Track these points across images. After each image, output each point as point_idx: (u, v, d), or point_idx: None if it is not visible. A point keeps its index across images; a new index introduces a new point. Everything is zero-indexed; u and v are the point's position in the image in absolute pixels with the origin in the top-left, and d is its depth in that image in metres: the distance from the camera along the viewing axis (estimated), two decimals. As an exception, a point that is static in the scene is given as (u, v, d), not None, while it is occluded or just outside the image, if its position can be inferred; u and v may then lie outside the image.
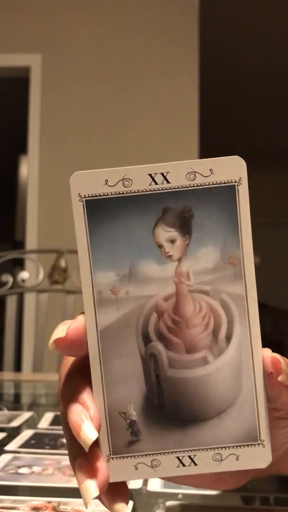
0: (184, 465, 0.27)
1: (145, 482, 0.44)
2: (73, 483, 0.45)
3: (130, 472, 0.27)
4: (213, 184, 0.26)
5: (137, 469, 0.27)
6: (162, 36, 2.95)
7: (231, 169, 0.26)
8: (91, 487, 0.25)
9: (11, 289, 1.46)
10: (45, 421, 0.68)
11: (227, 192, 0.26)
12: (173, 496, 0.41)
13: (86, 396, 0.26)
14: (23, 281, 1.48)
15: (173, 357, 0.27)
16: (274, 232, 5.14)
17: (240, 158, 0.26)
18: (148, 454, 0.27)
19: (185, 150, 2.88)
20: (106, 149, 2.88)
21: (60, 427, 0.64)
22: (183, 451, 0.27)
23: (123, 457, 0.27)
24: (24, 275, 1.49)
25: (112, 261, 0.26)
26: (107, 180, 0.26)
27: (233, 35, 3.50)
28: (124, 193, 0.26)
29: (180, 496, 0.42)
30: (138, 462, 0.27)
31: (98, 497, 0.26)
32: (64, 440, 0.58)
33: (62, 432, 0.65)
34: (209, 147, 3.25)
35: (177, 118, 2.92)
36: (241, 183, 0.26)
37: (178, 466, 0.27)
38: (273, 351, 0.27)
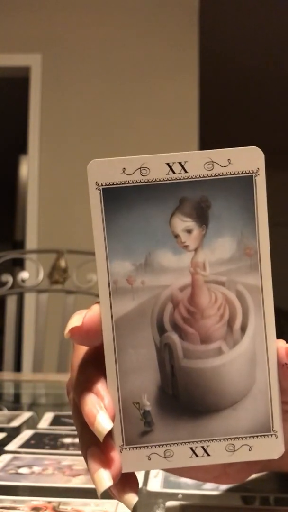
0: (197, 456, 0.27)
1: (145, 482, 0.44)
2: (73, 483, 0.45)
3: (143, 462, 0.27)
4: (230, 174, 0.26)
5: (150, 459, 0.27)
6: (162, 36, 2.95)
7: (249, 159, 0.26)
8: (105, 477, 0.25)
9: (11, 289, 1.46)
10: (45, 421, 0.68)
11: (245, 182, 0.26)
12: (173, 496, 0.41)
13: (100, 386, 0.26)
14: (23, 281, 1.48)
15: (188, 347, 0.27)
16: (274, 232, 5.14)
17: (258, 149, 0.26)
18: (161, 445, 0.27)
19: (185, 149, 2.87)
20: (106, 149, 2.88)
21: (60, 427, 0.64)
22: (196, 442, 0.27)
23: (136, 448, 0.27)
24: (24, 275, 1.49)
25: (128, 251, 0.26)
26: (124, 168, 0.26)
27: (233, 35, 3.51)
28: (141, 182, 0.26)
29: (180, 496, 0.41)
30: (151, 452, 0.27)
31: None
32: (65, 440, 0.58)
33: (62, 432, 0.65)
34: (209, 147, 3.25)
35: (177, 118, 2.92)
36: (258, 174, 0.26)
37: (191, 457, 0.27)
38: None
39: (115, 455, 0.26)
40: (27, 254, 2.32)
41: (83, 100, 2.94)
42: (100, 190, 0.26)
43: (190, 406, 0.27)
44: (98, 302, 0.27)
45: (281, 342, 0.27)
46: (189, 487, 0.43)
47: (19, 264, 2.82)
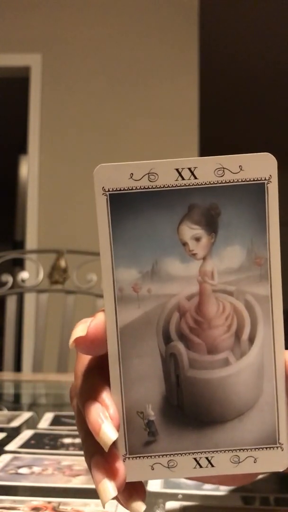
0: (201, 466, 0.26)
1: (146, 482, 0.44)
2: (73, 484, 0.44)
3: (146, 472, 0.26)
4: (242, 181, 0.26)
5: (153, 469, 0.26)
6: (162, 36, 2.95)
7: (261, 166, 0.26)
8: (109, 487, 0.25)
9: (11, 289, 1.46)
10: (45, 421, 0.68)
11: (256, 190, 0.26)
12: (173, 496, 0.41)
13: (105, 394, 0.26)
14: (23, 281, 1.48)
15: (194, 357, 0.26)
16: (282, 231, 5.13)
17: (271, 155, 0.26)
18: (165, 455, 0.26)
19: (185, 150, 2.87)
20: (106, 149, 2.88)
21: (60, 428, 0.64)
22: (201, 452, 0.26)
23: (140, 457, 0.26)
24: (24, 275, 1.49)
25: (135, 258, 0.26)
26: (132, 174, 0.26)
27: (233, 35, 3.50)
28: (149, 188, 0.26)
29: (180, 496, 0.41)
30: (154, 462, 0.26)
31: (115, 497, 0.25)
32: (65, 440, 0.58)
33: (62, 432, 0.65)
34: (209, 147, 3.25)
35: (177, 118, 2.92)
36: (270, 181, 0.26)
37: (195, 467, 0.26)
38: None
39: (120, 465, 0.25)
40: (27, 254, 2.32)
41: (83, 100, 2.94)
42: (107, 196, 0.26)
43: (195, 417, 0.26)
44: (103, 310, 0.26)
45: None
46: (189, 487, 0.43)
47: (19, 264, 2.82)
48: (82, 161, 2.85)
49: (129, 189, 0.26)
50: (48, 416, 0.71)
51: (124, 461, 0.26)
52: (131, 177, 0.26)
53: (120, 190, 0.26)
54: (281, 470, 0.27)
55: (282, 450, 0.26)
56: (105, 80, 2.95)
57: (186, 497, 0.41)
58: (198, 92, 2.95)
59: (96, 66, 2.96)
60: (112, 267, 0.26)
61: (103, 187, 0.26)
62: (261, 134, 4.80)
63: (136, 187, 0.26)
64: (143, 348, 0.26)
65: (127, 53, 2.96)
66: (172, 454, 0.26)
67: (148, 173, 0.26)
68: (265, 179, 0.26)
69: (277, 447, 0.26)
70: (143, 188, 0.26)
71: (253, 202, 0.26)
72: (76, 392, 0.27)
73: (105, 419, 0.25)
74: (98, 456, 0.25)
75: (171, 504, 0.39)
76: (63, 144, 2.92)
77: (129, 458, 0.26)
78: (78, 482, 0.44)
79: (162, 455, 0.26)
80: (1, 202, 5.16)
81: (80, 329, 0.26)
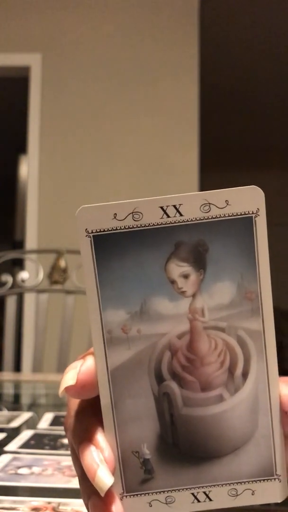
0: (199, 501, 0.26)
1: None
2: (72, 484, 0.44)
3: (144, 509, 0.26)
4: (229, 216, 0.25)
5: (151, 506, 0.26)
6: (162, 36, 2.95)
7: (248, 199, 0.25)
8: None
9: (11, 289, 1.46)
10: (45, 421, 0.68)
11: (244, 224, 0.25)
12: None
13: (99, 436, 0.26)
14: (23, 281, 1.48)
15: (188, 395, 0.26)
16: (274, 232, 5.14)
17: (258, 188, 0.25)
18: (162, 491, 0.26)
19: (185, 150, 2.88)
20: (106, 150, 2.88)
21: (60, 428, 0.64)
22: (198, 487, 0.26)
23: (137, 495, 0.26)
24: (24, 275, 1.49)
25: (122, 299, 0.25)
26: (115, 214, 0.25)
27: (233, 35, 3.50)
28: (134, 227, 0.25)
29: None
30: (152, 499, 0.26)
31: None
32: (64, 441, 0.58)
33: (61, 432, 0.65)
34: (209, 147, 3.25)
35: (177, 118, 2.92)
36: (258, 215, 0.25)
37: (193, 502, 0.26)
38: None
39: (118, 506, 0.25)
40: (27, 254, 2.32)
41: (83, 100, 2.94)
42: (90, 237, 0.25)
43: (191, 453, 0.26)
44: (92, 352, 0.26)
45: (284, 389, 0.26)
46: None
47: (19, 264, 2.82)
48: (82, 161, 2.85)
49: (113, 230, 0.25)
50: (48, 417, 0.71)
51: (121, 500, 0.26)
52: (115, 217, 0.25)
53: (104, 231, 0.25)
54: (279, 501, 0.27)
55: (280, 481, 0.26)
56: (105, 80, 2.95)
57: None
58: (198, 92, 2.95)
59: (96, 66, 2.96)
60: (100, 309, 0.25)
61: (86, 229, 0.25)
62: (261, 134, 4.80)
63: (120, 227, 0.25)
64: (135, 388, 0.26)
65: (127, 53, 2.96)
66: (169, 490, 0.26)
67: (132, 212, 0.25)
68: (252, 213, 0.25)
69: (274, 479, 0.26)
70: (127, 228, 0.25)
71: (241, 236, 0.25)
72: (70, 430, 0.27)
73: (100, 463, 0.25)
74: (96, 497, 0.25)
75: None
76: (63, 144, 2.92)
77: (126, 496, 0.26)
78: (78, 483, 0.44)
79: (160, 492, 0.26)
80: (1, 202, 5.16)
81: (70, 377, 0.26)
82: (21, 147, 3.37)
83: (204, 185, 2.68)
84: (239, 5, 3.20)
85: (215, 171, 4.64)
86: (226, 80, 4.01)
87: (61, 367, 1.38)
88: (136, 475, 0.26)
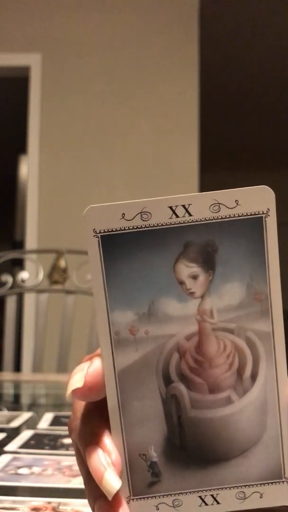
0: (206, 504, 0.26)
1: None
2: (73, 484, 0.44)
3: None
4: (238, 216, 0.25)
5: (158, 509, 0.26)
6: (162, 36, 2.95)
7: (259, 199, 0.25)
8: None
9: (11, 289, 1.46)
10: (45, 421, 0.68)
11: (254, 224, 0.25)
12: None
13: (106, 439, 0.25)
14: (22, 281, 1.48)
15: (196, 397, 0.26)
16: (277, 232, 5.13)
17: (269, 188, 0.25)
18: (169, 494, 0.26)
19: (185, 150, 2.88)
20: (106, 150, 2.88)
21: (60, 428, 0.64)
22: (206, 490, 0.26)
23: (144, 498, 0.26)
24: (24, 275, 1.49)
25: (130, 300, 0.25)
26: (124, 213, 0.25)
27: (233, 35, 3.50)
28: (142, 227, 0.25)
29: None
30: (159, 502, 0.26)
31: None
32: (64, 441, 0.58)
33: (61, 432, 0.65)
34: (209, 147, 3.25)
35: (177, 118, 2.92)
36: (269, 215, 0.25)
37: (200, 505, 0.26)
38: None
39: (125, 510, 0.25)
40: (26, 254, 2.32)
41: (83, 100, 2.94)
42: (98, 238, 0.25)
43: (199, 456, 0.26)
44: (99, 354, 0.26)
45: None
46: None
47: (19, 264, 2.82)
48: (82, 161, 2.85)
49: (122, 230, 0.25)
50: (48, 417, 0.71)
51: (128, 503, 0.26)
52: (123, 217, 0.25)
53: (112, 231, 0.25)
54: (287, 504, 0.26)
55: None
56: (105, 79, 2.95)
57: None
58: (198, 92, 2.95)
59: (96, 66, 2.96)
60: (107, 310, 0.25)
61: (94, 229, 0.25)
62: (261, 134, 4.80)
63: (128, 227, 0.25)
64: (142, 390, 0.26)
65: (127, 53, 2.96)
66: (176, 493, 0.26)
67: (141, 212, 0.25)
68: (263, 213, 0.25)
69: (283, 482, 0.26)
70: (136, 228, 0.25)
71: (251, 236, 0.25)
72: (76, 432, 0.27)
73: (108, 466, 0.24)
74: (102, 500, 0.25)
75: None
76: (63, 144, 2.92)
77: (133, 499, 0.26)
78: (78, 483, 0.44)
79: (167, 495, 0.26)
80: (1, 202, 5.15)
81: (77, 379, 0.25)
82: (21, 147, 3.37)
83: (204, 185, 2.68)
84: (239, 5, 3.20)
85: (215, 171, 4.65)
86: (226, 80, 4.01)
87: (61, 367, 1.38)
88: (143, 478, 0.26)
